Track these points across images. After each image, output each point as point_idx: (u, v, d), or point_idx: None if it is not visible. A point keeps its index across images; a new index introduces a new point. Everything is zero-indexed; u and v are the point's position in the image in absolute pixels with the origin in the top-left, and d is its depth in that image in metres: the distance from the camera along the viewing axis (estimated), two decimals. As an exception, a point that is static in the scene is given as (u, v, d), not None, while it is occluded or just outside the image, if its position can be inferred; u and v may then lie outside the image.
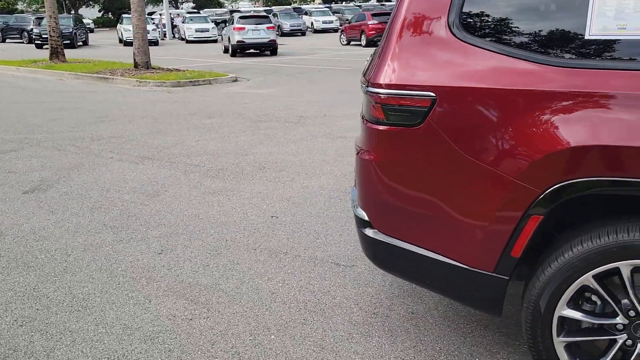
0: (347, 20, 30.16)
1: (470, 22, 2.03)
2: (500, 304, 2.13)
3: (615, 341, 2.00)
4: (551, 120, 1.88)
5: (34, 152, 6.24)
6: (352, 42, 26.01)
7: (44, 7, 19.78)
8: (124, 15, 30.06)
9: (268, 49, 20.82)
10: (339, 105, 9.08)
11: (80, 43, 28.03)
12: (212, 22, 32.12)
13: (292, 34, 32.92)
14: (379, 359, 2.46)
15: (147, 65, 14.06)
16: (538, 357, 2.09)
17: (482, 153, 1.98)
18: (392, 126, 2.14)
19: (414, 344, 2.56)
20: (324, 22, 36.16)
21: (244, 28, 20.33)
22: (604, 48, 1.86)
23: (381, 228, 2.30)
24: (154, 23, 30.55)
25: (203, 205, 4.44)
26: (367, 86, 2.21)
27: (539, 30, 1.95)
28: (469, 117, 2.00)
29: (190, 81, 12.42)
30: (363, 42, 24.70)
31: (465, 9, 2.03)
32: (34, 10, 51.76)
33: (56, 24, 16.82)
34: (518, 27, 1.98)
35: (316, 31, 36.01)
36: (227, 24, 23.39)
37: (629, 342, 1.98)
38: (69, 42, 24.87)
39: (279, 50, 20.94)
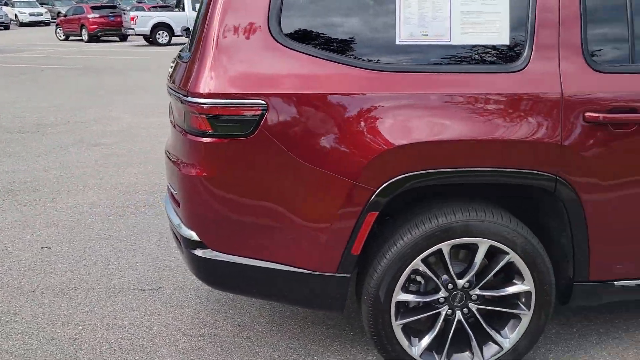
0: (61, 13, 27.40)
1: (291, 27, 2.01)
2: (344, 300, 2.20)
3: (439, 314, 2.25)
4: (375, 122, 1.98)
5: None
6: (71, 37, 23.74)
7: None
8: None
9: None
10: (81, 108, 8.20)
11: None
12: None
13: (-11, 27, 28.50)
14: (221, 383, 2.32)
15: None
16: (380, 343, 2.23)
17: (317, 158, 2.00)
18: (221, 138, 2.00)
19: (251, 357, 2.48)
20: (31, 15, 32.15)
21: None
22: (412, 52, 2.04)
23: (216, 246, 2.15)
24: None
25: (-59, 248, 3.55)
26: (186, 96, 2.02)
27: (357, 37, 2.03)
28: (301, 123, 1.99)
29: None
30: (85, 37, 22.77)
31: (284, 14, 2.00)
32: None
33: None
34: (338, 34, 2.03)
35: (22, 24, 31.82)
36: None
37: (449, 311, 2.25)
38: None
39: (-20, 48, 17.92)
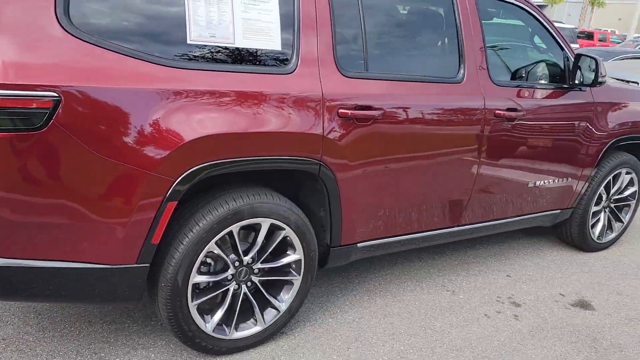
0: None
1: (83, 18, 1.95)
2: (142, 290, 2.25)
3: (228, 290, 2.49)
4: (172, 116, 2.09)
5: None
6: None
7: None
8: None
9: None
10: None
11: None
12: None
13: None
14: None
15: None
16: (177, 325, 2.35)
17: (116, 152, 2.00)
18: (2, 132, 1.83)
19: (28, 369, 2.30)
20: None
21: None
22: (202, 51, 2.20)
23: (1, 253, 1.94)
24: None
25: None
26: (-44, 86, 1.78)
27: (152, 32, 2.09)
28: (99, 117, 1.96)
29: None
30: None
31: (74, 4, 1.93)
32: None
33: None
34: (135, 29, 2.05)
35: None
36: None
37: (236, 286, 2.51)
38: None
39: None
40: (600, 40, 29.06)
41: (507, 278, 3.60)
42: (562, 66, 3.50)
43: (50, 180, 1.94)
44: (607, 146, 3.74)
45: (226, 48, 2.25)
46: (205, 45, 2.20)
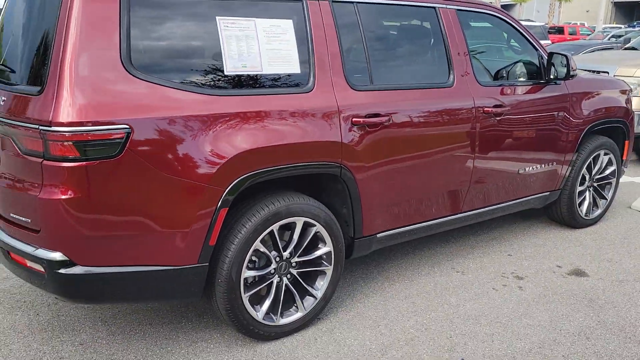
0: None
1: (141, 60, 2.35)
2: (202, 287, 2.63)
3: (272, 283, 2.87)
4: (220, 135, 2.49)
5: None
6: None
7: None
8: None
9: None
10: None
11: None
12: None
13: None
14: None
15: None
16: (234, 316, 2.72)
17: (177, 170, 2.40)
18: (90, 161, 2.22)
19: (108, 366, 2.66)
20: None
21: None
22: (237, 80, 2.61)
23: (89, 262, 2.33)
24: None
25: None
26: (49, 126, 2.17)
27: (199, 69, 2.50)
28: (162, 142, 2.36)
29: None
30: None
31: (134, 49, 2.33)
32: None
33: None
34: (183, 66, 2.46)
35: None
36: None
37: (278, 279, 2.89)
38: None
39: None
40: (570, 34, 30.00)
41: (508, 257, 4.01)
42: (537, 64, 3.96)
43: (128, 199, 2.33)
44: (584, 131, 4.20)
45: (256, 75, 2.66)
46: (239, 74, 2.61)
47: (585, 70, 5.55)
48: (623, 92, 4.57)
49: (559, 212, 4.48)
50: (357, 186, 3.00)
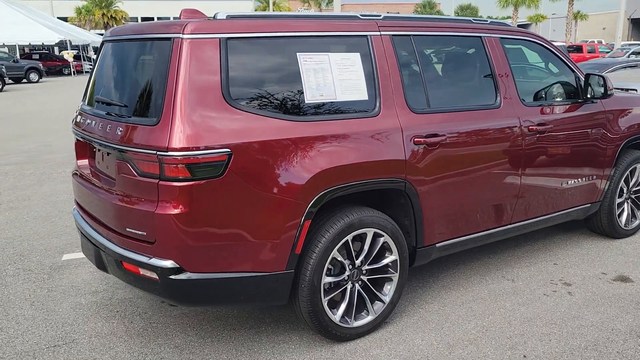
0: None
1: (238, 94, 2.72)
2: (288, 292, 2.94)
3: (346, 289, 3.17)
4: (304, 156, 2.83)
5: None
6: None
7: None
8: None
9: None
10: None
11: None
12: None
13: None
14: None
15: None
16: (315, 318, 3.02)
17: (270, 187, 2.74)
18: (199, 180, 2.57)
19: (204, 365, 2.96)
20: None
21: None
22: (316, 107, 2.96)
23: (196, 269, 2.66)
24: None
25: None
26: (166, 151, 2.53)
27: (285, 99, 2.86)
28: (257, 162, 2.70)
29: None
30: None
31: (232, 84, 2.70)
32: None
33: None
34: (272, 97, 2.83)
35: None
36: None
37: (351, 285, 3.19)
38: None
39: None
40: (589, 52, 30.14)
41: (554, 265, 4.25)
42: (574, 84, 4.25)
43: (228, 212, 2.67)
44: (621, 146, 4.46)
45: (331, 102, 3.00)
46: (317, 103, 2.96)
47: (615, 88, 5.83)
48: (655, 108, 4.83)
49: (599, 223, 4.71)
50: (419, 199, 3.30)
